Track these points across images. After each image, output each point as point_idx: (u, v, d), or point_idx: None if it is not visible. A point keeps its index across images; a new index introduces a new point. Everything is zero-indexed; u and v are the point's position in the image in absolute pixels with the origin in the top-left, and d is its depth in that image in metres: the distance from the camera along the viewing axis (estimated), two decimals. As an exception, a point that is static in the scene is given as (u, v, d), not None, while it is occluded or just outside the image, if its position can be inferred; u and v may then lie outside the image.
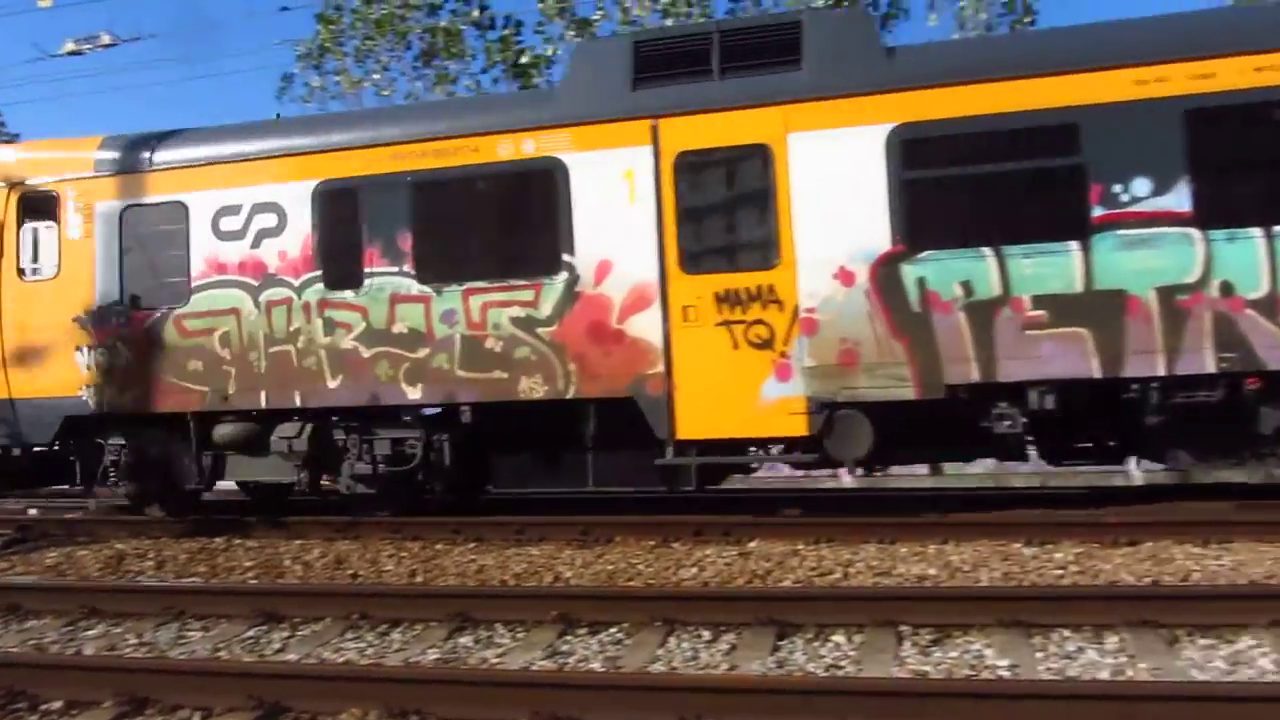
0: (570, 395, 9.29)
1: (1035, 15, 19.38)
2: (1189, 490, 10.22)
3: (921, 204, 8.54)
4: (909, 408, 8.59)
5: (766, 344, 8.84)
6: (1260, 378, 7.95)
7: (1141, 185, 8.14)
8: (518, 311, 9.43)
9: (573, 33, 20.19)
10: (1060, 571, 7.18)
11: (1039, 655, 5.27)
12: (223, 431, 10.31)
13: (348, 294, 9.90)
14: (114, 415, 10.61)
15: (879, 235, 8.61)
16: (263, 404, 10.12)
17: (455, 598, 6.60)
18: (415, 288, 9.70)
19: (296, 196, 10.07)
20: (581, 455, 9.62)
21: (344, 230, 9.94)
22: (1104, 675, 4.97)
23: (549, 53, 20.77)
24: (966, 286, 8.42)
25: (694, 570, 7.76)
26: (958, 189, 8.51)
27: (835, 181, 8.72)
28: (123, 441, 10.70)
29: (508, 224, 9.60)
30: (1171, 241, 8.07)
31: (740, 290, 8.91)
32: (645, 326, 9.12)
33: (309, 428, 10.01)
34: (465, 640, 6.12)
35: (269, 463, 10.31)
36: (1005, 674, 5.04)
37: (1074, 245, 8.23)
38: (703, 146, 9.04)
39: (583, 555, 8.48)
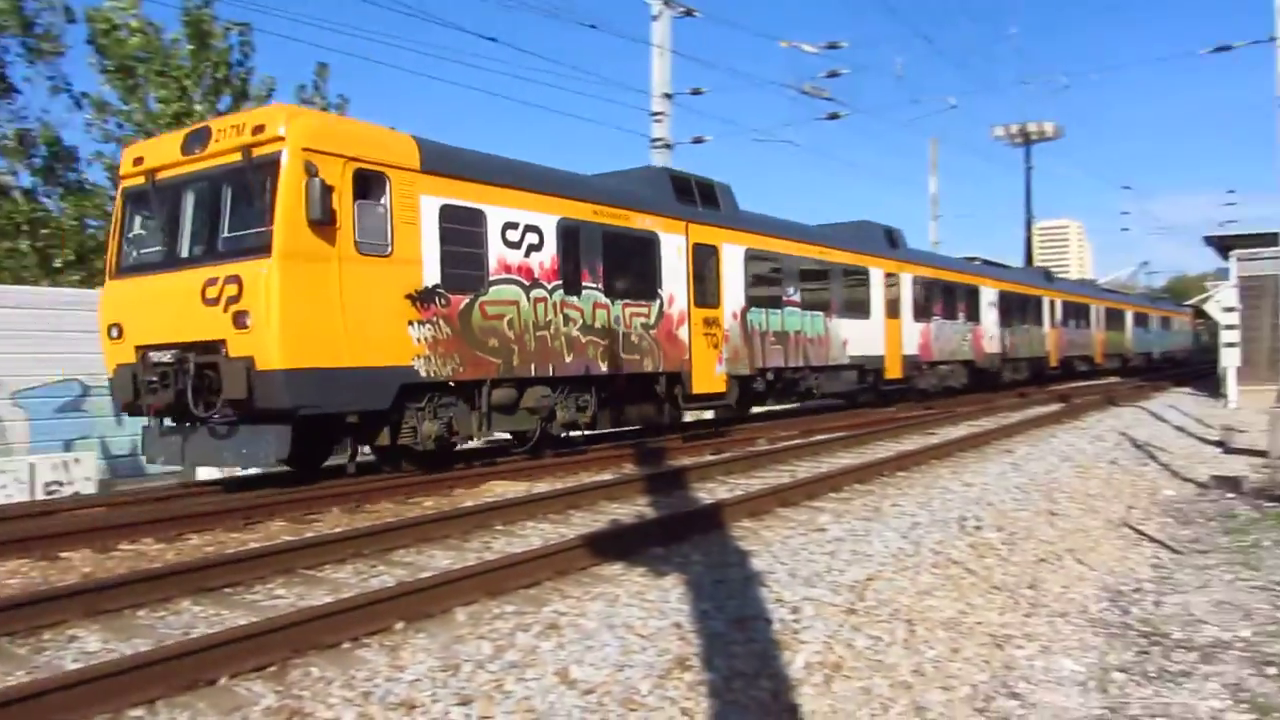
0: (661, 369, 16.17)
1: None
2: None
3: (752, 283, 18.69)
4: (748, 379, 18.59)
5: (716, 346, 17.63)
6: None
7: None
8: (643, 319, 15.79)
9: None
10: None
11: None
12: (501, 395, 13.23)
13: (573, 298, 14.39)
14: (429, 382, 12.21)
15: (741, 297, 18.40)
16: (532, 373, 13.62)
17: None
18: (603, 299, 14.96)
19: (549, 225, 13.98)
20: (634, 407, 16.38)
21: (573, 254, 14.39)
22: None
23: None
24: (762, 322, 18.96)
25: None
26: (764, 278, 19.01)
27: (732, 269, 18.14)
28: (421, 405, 12.27)
29: (638, 265, 15.78)
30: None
31: (710, 318, 17.46)
32: (684, 334, 16.76)
33: (554, 391, 14.03)
34: None
35: (520, 417, 13.67)
36: None
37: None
38: (701, 242, 17.26)
39: None
